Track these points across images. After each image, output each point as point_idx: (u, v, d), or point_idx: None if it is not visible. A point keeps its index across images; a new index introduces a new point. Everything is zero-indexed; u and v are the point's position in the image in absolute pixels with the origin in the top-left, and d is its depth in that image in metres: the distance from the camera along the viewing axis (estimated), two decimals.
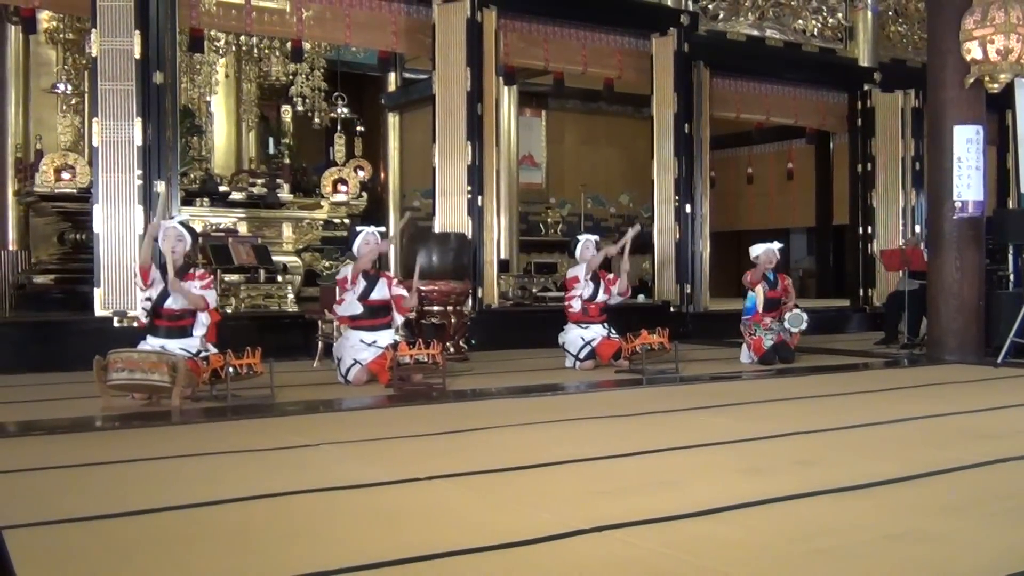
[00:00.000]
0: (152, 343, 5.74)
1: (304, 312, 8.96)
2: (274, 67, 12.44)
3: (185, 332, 5.82)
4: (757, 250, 8.06)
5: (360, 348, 6.61)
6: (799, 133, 15.69)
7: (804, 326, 7.92)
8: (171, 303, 5.79)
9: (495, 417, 5.15)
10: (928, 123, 8.93)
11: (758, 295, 7.91)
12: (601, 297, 7.81)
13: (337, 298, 6.86)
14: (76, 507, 3.08)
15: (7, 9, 10.31)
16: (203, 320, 5.86)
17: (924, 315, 8.88)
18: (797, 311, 7.91)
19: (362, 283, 6.75)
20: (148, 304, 5.91)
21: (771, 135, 16.77)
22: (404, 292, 6.86)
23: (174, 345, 5.71)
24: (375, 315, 6.74)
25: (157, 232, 5.83)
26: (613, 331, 7.71)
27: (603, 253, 7.83)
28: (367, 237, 6.87)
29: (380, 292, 6.79)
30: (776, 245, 8.10)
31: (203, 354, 5.75)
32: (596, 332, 7.67)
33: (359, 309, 6.72)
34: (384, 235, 7.21)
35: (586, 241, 7.94)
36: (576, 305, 7.73)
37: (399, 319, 6.90)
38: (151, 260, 5.78)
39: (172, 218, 6.28)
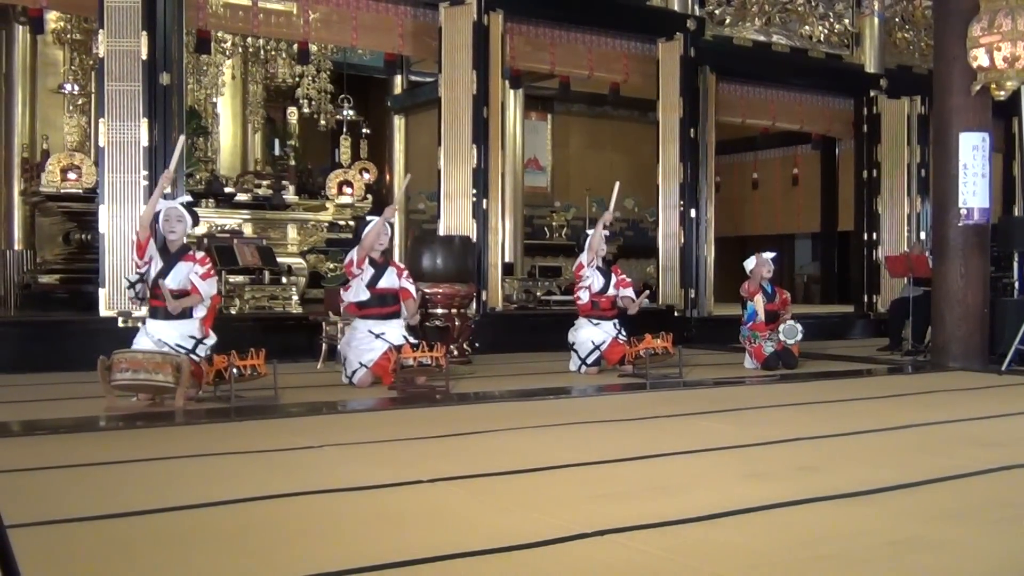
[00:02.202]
0: (151, 326, 5.69)
1: (308, 314, 8.97)
2: (280, 69, 12.48)
3: (184, 314, 5.73)
4: (751, 263, 8.04)
5: (366, 348, 6.58)
6: (805, 139, 15.70)
7: (799, 337, 7.91)
8: (170, 283, 5.69)
9: (498, 420, 5.15)
10: (934, 130, 8.92)
11: (757, 304, 7.91)
12: (612, 291, 7.78)
13: (344, 286, 6.86)
14: (80, 507, 3.09)
15: (15, 9, 10.35)
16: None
17: (928, 322, 8.87)
18: (792, 323, 7.90)
19: (370, 270, 6.76)
20: (138, 279, 5.83)
21: (777, 141, 16.76)
22: (412, 288, 6.87)
23: (173, 330, 5.65)
24: (383, 303, 6.74)
25: (156, 204, 5.78)
26: (623, 332, 7.68)
27: (599, 226, 7.79)
28: (376, 225, 6.85)
29: (389, 280, 6.79)
30: (769, 255, 8.09)
31: (205, 343, 5.73)
32: (607, 332, 7.61)
33: (366, 295, 6.72)
34: (393, 226, 7.20)
35: (592, 231, 7.93)
36: (584, 297, 7.70)
37: (407, 312, 6.89)
38: (150, 233, 5.72)
39: (175, 198, 6.28)
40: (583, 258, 7.75)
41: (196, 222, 6.18)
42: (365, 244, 6.74)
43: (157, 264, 5.77)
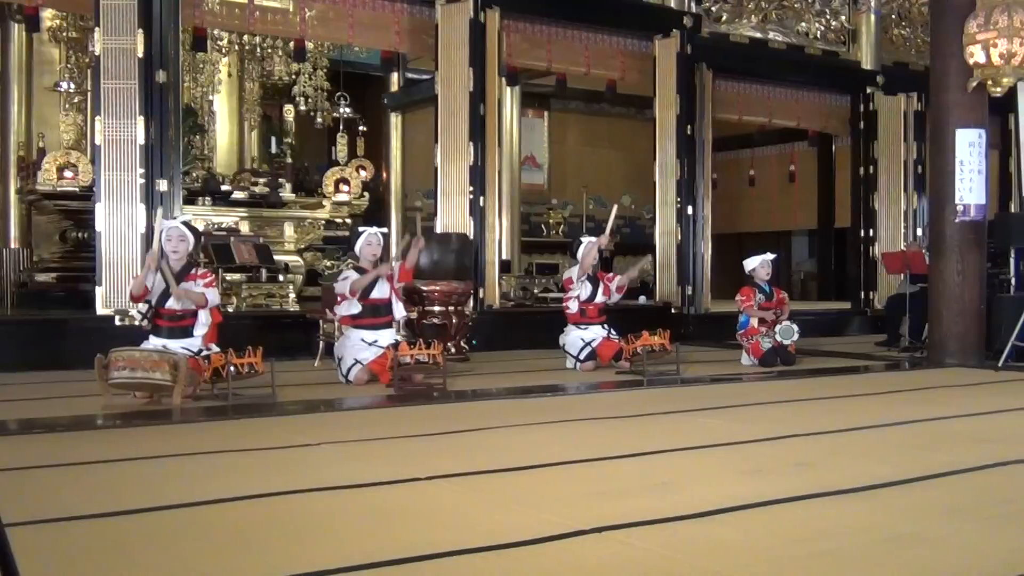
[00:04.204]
0: (154, 343, 5.75)
1: (305, 312, 8.97)
2: (277, 66, 12.45)
3: (187, 332, 5.84)
4: (752, 263, 8.06)
5: (361, 348, 6.61)
6: (801, 136, 15.71)
7: (796, 337, 7.92)
8: (172, 304, 5.81)
9: (495, 418, 5.15)
10: (930, 126, 8.92)
11: (752, 314, 7.92)
12: (600, 298, 7.81)
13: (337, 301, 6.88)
14: (78, 505, 3.09)
15: (11, 7, 10.33)
16: (204, 320, 5.87)
17: (925, 318, 8.87)
18: (788, 323, 7.91)
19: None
20: (148, 308, 5.91)
21: (773, 137, 16.78)
22: (400, 269, 6.87)
23: (176, 345, 5.72)
24: (376, 314, 6.75)
25: (156, 262, 5.80)
26: (613, 332, 7.72)
27: (593, 248, 7.78)
28: (369, 238, 6.88)
29: (380, 291, 6.79)
30: (770, 256, 8.10)
31: (204, 353, 5.76)
32: (596, 333, 7.67)
33: (359, 308, 6.73)
34: (387, 235, 7.21)
35: (588, 243, 7.93)
36: (573, 307, 7.73)
37: (400, 313, 6.90)
38: (145, 288, 5.78)
39: (175, 218, 6.29)
40: (573, 273, 7.75)
41: (199, 240, 6.21)
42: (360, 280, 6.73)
43: (160, 286, 5.80)
